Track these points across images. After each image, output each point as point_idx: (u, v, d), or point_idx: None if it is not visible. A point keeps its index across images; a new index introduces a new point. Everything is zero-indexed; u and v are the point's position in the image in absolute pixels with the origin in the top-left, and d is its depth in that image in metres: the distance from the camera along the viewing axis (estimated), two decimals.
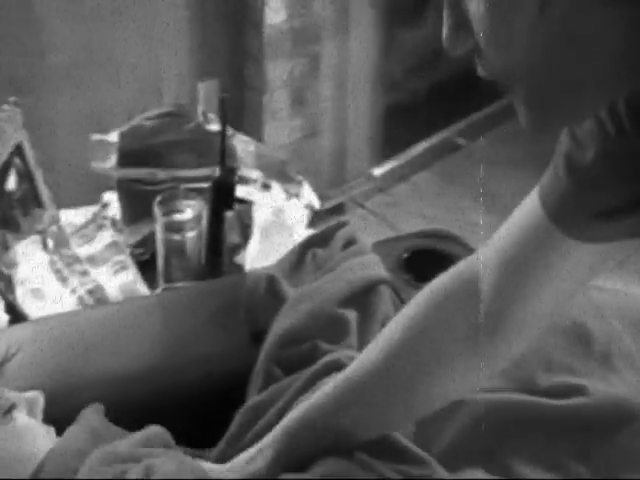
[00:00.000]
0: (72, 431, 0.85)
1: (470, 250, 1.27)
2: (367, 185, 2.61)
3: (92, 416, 0.89)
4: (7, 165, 1.31)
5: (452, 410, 0.89)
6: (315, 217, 1.46)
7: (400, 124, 2.62)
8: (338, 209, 2.51)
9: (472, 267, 0.75)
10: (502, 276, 0.71)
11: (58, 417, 0.87)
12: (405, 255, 1.25)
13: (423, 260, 1.24)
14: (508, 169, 2.41)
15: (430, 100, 2.69)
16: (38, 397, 0.84)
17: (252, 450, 0.82)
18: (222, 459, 0.90)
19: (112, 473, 0.77)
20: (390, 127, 2.59)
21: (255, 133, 2.16)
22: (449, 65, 2.75)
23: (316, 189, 2.40)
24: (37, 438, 0.82)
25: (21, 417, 0.82)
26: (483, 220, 1.50)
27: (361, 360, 0.81)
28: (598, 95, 0.51)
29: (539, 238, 0.68)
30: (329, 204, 2.48)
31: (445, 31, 0.51)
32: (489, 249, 0.73)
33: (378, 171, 2.64)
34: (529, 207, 0.69)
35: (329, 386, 0.81)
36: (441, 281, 0.79)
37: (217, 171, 1.25)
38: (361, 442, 0.81)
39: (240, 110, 2.16)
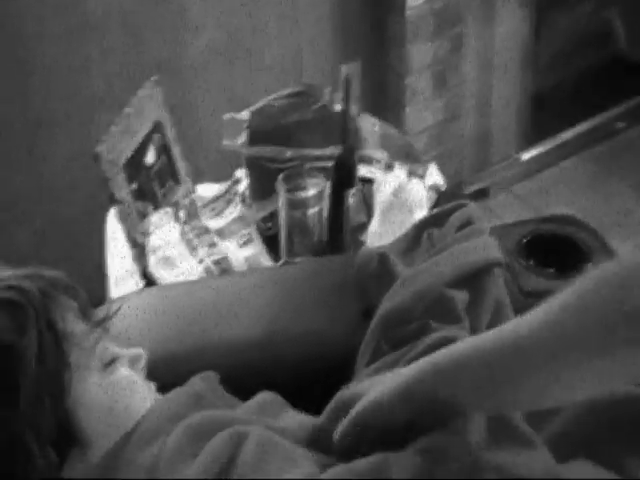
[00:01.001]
0: (175, 393, 0.86)
1: (597, 236, 1.23)
2: (513, 170, 2.56)
3: (199, 382, 0.91)
4: (147, 140, 1.40)
5: None
6: (443, 199, 1.46)
7: (549, 108, 2.55)
8: (482, 193, 2.48)
9: None
10: None
11: (170, 382, 0.88)
12: (525, 239, 1.23)
13: (544, 245, 1.22)
14: None
15: (582, 84, 2.60)
16: (141, 354, 0.86)
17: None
18: None
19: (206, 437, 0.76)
20: (538, 111, 2.52)
21: (396, 116, 2.17)
22: (601, 50, 2.65)
23: (459, 173, 2.39)
24: (137, 394, 0.83)
25: (123, 371, 0.83)
26: None
27: (504, 329, 0.73)
28: None
29: None
30: (472, 188, 2.45)
31: None
32: None
33: (525, 155, 2.58)
34: None
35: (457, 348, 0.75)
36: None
37: (339, 150, 1.28)
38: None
39: (381, 93, 2.17)
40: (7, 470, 0.72)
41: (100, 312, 0.85)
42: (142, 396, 0.84)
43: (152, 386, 0.87)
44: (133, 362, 0.85)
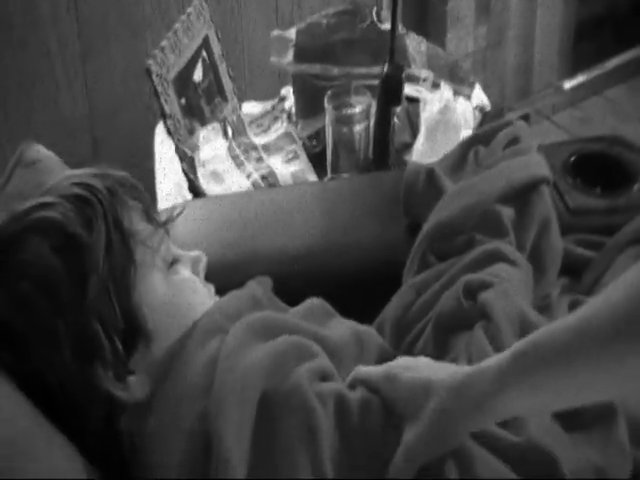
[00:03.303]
0: (234, 294, 0.88)
1: None
2: (555, 98, 2.52)
3: (256, 286, 0.93)
4: (195, 57, 1.41)
5: None
6: (488, 119, 1.45)
7: (595, 36, 2.50)
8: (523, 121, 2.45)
9: None
10: None
11: (223, 287, 0.90)
12: (572, 158, 1.23)
13: (591, 165, 1.22)
14: None
15: (626, 13, 2.54)
16: (202, 257, 0.87)
17: (466, 368, 0.74)
18: (380, 332, 0.95)
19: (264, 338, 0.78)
20: (583, 39, 2.47)
21: (438, 41, 2.14)
22: None
23: (500, 100, 2.37)
24: (197, 294, 0.85)
25: (184, 271, 0.85)
26: None
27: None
28: None
29: None
30: (513, 115, 2.43)
31: None
32: None
33: (568, 84, 2.54)
34: None
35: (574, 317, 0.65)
36: None
37: (386, 68, 1.28)
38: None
39: (424, 17, 2.14)
40: (78, 362, 0.74)
41: (163, 215, 0.86)
42: (202, 296, 0.86)
43: (211, 288, 0.89)
44: (194, 264, 0.87)
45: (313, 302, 0.95)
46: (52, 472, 0.64)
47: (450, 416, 0.70)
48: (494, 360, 0.69)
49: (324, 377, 0.78)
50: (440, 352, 0.91)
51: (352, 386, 0.78)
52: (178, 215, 0.87)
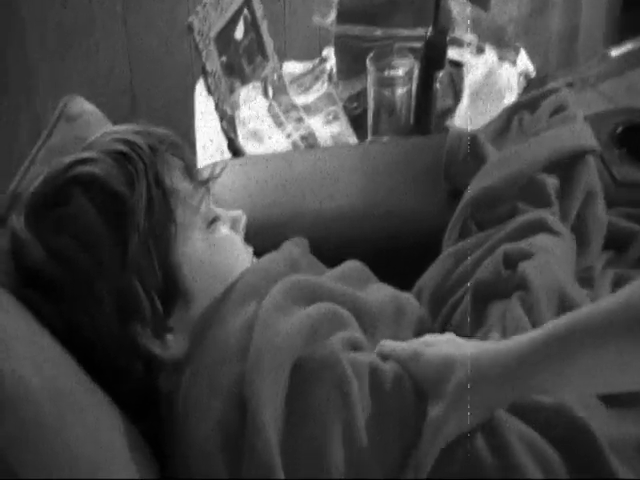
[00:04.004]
0: (272, 255, 0.88)
1: None
2: (601, 67, 2.48)
3: (293, 247, 0.93)
4: (237, 15, 1.39)
5: None
6: (533, 85, 1.43)
7: None
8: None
9: None
10: None
11: (261, 248, 0.89)
12: (619, 129, 1.20)
13: (638, 136, 1.19)
14: None
15: None
16: (241, 215, 0.86)
17: (492, 343, 0.74)
18: (417, 299, 0.94)
19: (303, 301, 0.78)
20: (631, 6, 2.41)
21: (483, 5, 2.10)
22: None
23: (543, 67, 2.32)
24: (236, 253, 0.84)
25: (224, 230, 0.84)
26: None
27: None
28: None
29: None
30: (556, 84, 2.39)
31: None
32: None
33: (615, 52, 2.48)
34: None
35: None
36: None
37: (430, 31, 1.25)
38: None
39: None
40: (117, 318, 0.74)
41: (204, 172, 0.85)
42: (242, 256, 0.85)
43: (250, 249, 0.88)
44: (234, 223, 0.86)
45: (352, 264, 0.94)
46: (99, 427, 0.65)
47: (475, 391, 0.69)
48: (526, 338, 0.68)
49: (355, 347, 0.77)
50: (477, 321, 0.90)
51: (384, 358, 0.77)
52: (220, 173, 0.86)
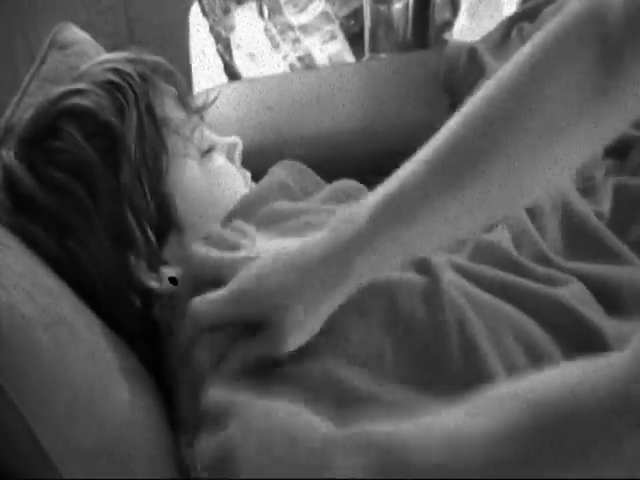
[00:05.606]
0: (263, 182, 0.86)
1: None
2: None
3: (281, 171, 0.90)
4: None
5: None
6: None
7: None
8: None
9: None
10: None
11: (260, 171, 0.88)
12: None
13: None
14: None
15: None
16: (238, 142, 0.85)
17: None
18: None
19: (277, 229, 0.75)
20: None
21: None
22: None
23: None
24: (233, 180, 0.83)
25: (220, 159, 0.82)
26: None
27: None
28: None
29: None
30: None
31: None
32: None
33: None
34: None
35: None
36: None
37: None
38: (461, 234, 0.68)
39: None
40: (112, 249, 0.74)
41: (198, 100, 0.84)
42: (237, 184, 0.84)
43: (247, 174, 0.87)
44: (230, 150, 0.85)
45: (343, 183, 0.91)
46: (96, 348, 0.66)
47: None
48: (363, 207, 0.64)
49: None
50: None
51: None
52: (213, 101, 0.84)
